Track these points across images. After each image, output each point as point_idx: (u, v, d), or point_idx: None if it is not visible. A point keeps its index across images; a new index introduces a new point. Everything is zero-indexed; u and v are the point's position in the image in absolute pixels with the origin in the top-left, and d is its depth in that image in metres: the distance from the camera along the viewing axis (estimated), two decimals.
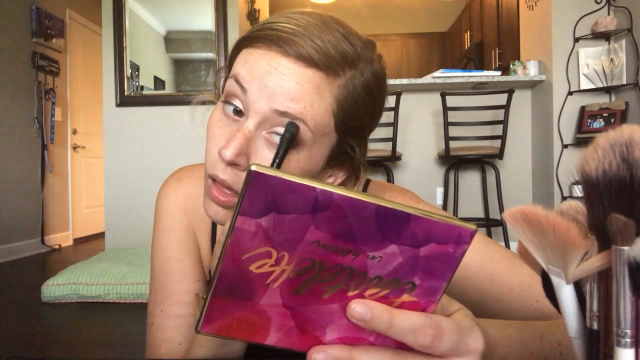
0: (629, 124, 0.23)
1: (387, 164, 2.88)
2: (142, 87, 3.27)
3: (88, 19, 4.74)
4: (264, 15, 4.08)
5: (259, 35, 0.43)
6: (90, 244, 4.44)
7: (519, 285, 0.51)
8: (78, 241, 4.52)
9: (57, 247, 4.13)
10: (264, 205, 0.23)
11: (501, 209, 2.94)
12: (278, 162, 0.41)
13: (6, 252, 3.59)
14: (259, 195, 0.22)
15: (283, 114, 0.41)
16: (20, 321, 2.15)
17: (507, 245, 2.78)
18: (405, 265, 0.26)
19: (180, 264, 0.57)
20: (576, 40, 2.93)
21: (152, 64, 3.31)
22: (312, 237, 0.24)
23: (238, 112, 0.44)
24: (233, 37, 3.22)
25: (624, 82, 2.75)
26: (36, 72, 3.96)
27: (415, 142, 3.32)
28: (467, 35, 5.89)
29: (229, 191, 0.44)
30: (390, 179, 2.88)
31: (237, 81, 0.43)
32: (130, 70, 3.23)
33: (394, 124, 2.73)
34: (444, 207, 2.99)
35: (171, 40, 3.33)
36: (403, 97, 2.76)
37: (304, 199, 0.23)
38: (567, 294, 0.25)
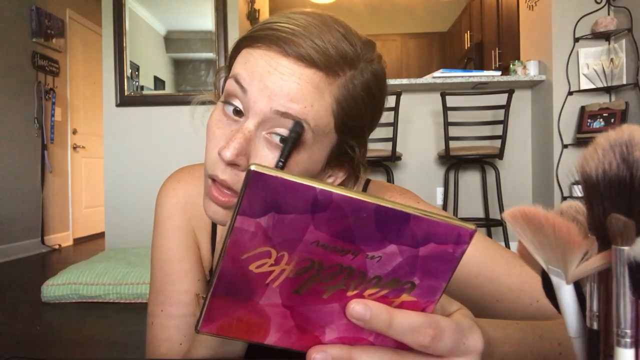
0: (629, 124, 0.23)
1: (387, 164, 2.88)
2: (142, 87, 3.27)
3: (88, 19, 4.74)
4: (264, 15, 4.08)
5: (259, 36, 0.43)
6: (90, 244, 4.44)
7: (519, 285, 0.50)
8: (78, 241, 4.51)
9: (57, 247, 4.13)
10: (263, 205, 0.23)
11: (501, 209, 2.94)
12: (283, 162, 0.41)
13: (6, 252, 3.59)
14: (259, 195, 0.22)
15: (283, 114, 0.41)
16: (20, 321, 2.15)
17: (507, 245, 2.78)
18: (404, 265, 0.26)
19: (181, 264, 0.57)
20: (576, 40, 2.93)
21: (152, 64, 3.31)
22: (311, 237, 0.24)
23: (238, 112, 0.44)
24: (233, 37, 3.22)
25: (624, 82, 2.75)
26: (36, 72, 3.96)
27: (415, 142, 3.32)
28: (467, 35, 5.89)
29: (229, 191, 0.44)
30: (390, 179, 2.88)
31: (237, 81, 0.43)
32: (130, 70, 3.23)
33: (394, 124, 2.73)
34: (444, 207, 2.99)
35: (171, 40, 3.33)
36: (403, 97, 2.76)
37: (304, 199, 0.23)
38: (567, 294, 0.25)
